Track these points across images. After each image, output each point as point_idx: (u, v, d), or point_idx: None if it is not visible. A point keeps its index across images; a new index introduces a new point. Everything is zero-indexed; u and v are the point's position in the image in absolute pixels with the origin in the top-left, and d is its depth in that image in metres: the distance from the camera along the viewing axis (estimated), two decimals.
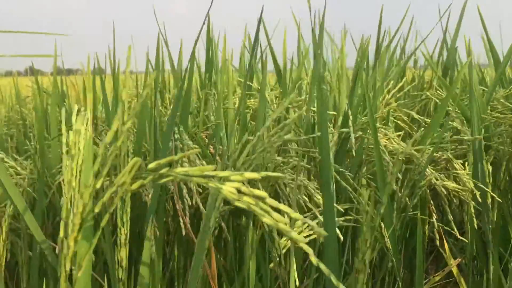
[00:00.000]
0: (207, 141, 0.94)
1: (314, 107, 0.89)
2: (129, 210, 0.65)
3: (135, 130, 0.82)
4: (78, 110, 0.50)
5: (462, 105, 0.95)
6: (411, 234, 1.01)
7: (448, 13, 1.21)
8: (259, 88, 1.12)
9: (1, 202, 0.73)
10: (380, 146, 0.73)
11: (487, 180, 0.86)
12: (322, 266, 0.36)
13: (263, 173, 0.41)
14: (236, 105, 0.93)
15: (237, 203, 0.37)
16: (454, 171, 0.82)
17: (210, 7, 0.73)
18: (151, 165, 0.40)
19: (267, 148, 0.63)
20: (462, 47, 1.17)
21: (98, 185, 0.43)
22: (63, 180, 0.69)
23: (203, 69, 1.21)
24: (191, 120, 1.05)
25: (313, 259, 0.36)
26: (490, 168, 0.87)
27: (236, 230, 0.90)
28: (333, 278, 0.37)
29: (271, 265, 0.72)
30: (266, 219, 0.37)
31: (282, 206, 0.37)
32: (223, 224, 0.76)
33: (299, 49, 1.20)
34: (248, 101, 1.09)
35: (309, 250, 0.36)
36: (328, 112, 0.92)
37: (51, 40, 0.89)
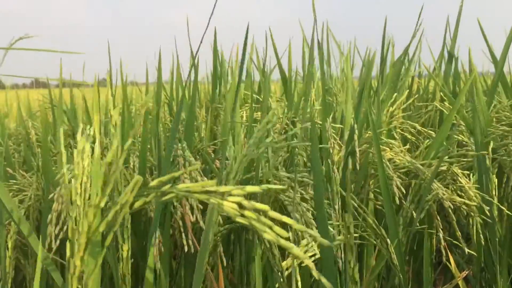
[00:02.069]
0: (213, 155, 0.94)
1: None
2: (129, 226, 0.65)
3: (139, 145, 0.82)
4: (83, 129, 0.51)
5: (466, 117, 0.95)
6: (419, 246, 1.00)
7: (450, 22, 1.21)
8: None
9: (7, 219, 0.74)
10: (384, 161, 0.73)
11: (493, 192, 0.85)
12: (323, 280, 0.37)
13: (264, 186, 0.41)
14: (244, 119, 0.93)
15: (238, 219, 0.37)
16: (460, 184, 0.81)
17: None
18: (153, 183, 0.41)
19: (251, 155, 0.63)
20: (466, 57, 1.17)
21: (102, 204, 0.43)
22: (61, 196, 0.69)
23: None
24: (198, 135, 1.05)
25: (315, 273, 0.37)
26: (496, 180, 0.86)
27: (244, 244, 0.90)
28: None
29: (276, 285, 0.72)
30: (267, 235, 0.37)
31: (285, 218, 0.37)
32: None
33: (304, 61, 1.20)
34: (255, 113, 1.09)
35: (311, 264, 0.37)
36: (337, 125, 0.92)
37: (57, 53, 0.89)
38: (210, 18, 0.67)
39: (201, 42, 0.70)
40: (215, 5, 0.67)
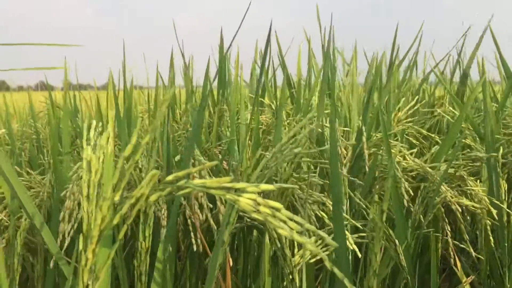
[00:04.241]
0: (220, 156, 0.95)
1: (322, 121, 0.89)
2: (151, 224, 0.65)
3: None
4: (96, 125, 0.51)
5: (475, 122, 0.95)
6: (424, 251, 1.00)
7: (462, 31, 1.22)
8: (271, 104, 1.13)
9: (15, 215, 0.74)
10: (393, 163, 0.73)
11: (503, 197, 0.85)
12: (336, 271, 0.37)
13: (277, 185, 0.42)
14: (249, 121, 0.93)
15: (254, 215, 0.38)
16: (469, 187, 0.81)
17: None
18: (169, 177, 0.40)
19: (280, 163, 0.63)
20: (474, 64, 1.17)
21: (117, 198, 0.43)
22: (73, 194, 0.69)
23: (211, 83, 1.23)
24: (204, 136, 1.05)
25: (328, 263, 0.37)
26: (505, 185, 0.86)
27: (249, 246, 0.89)
28: (346, 282, 0.37)
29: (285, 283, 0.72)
30: (283, 231, 0.37)
31: (297, 218, 0.38)
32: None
33: (310, 66, 1.20)
34: (259, 116, 1.09)
35: (324, 256, 0.37)
36: (341, 128, 0.92)
37: (61, 56, 0.90)
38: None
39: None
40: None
